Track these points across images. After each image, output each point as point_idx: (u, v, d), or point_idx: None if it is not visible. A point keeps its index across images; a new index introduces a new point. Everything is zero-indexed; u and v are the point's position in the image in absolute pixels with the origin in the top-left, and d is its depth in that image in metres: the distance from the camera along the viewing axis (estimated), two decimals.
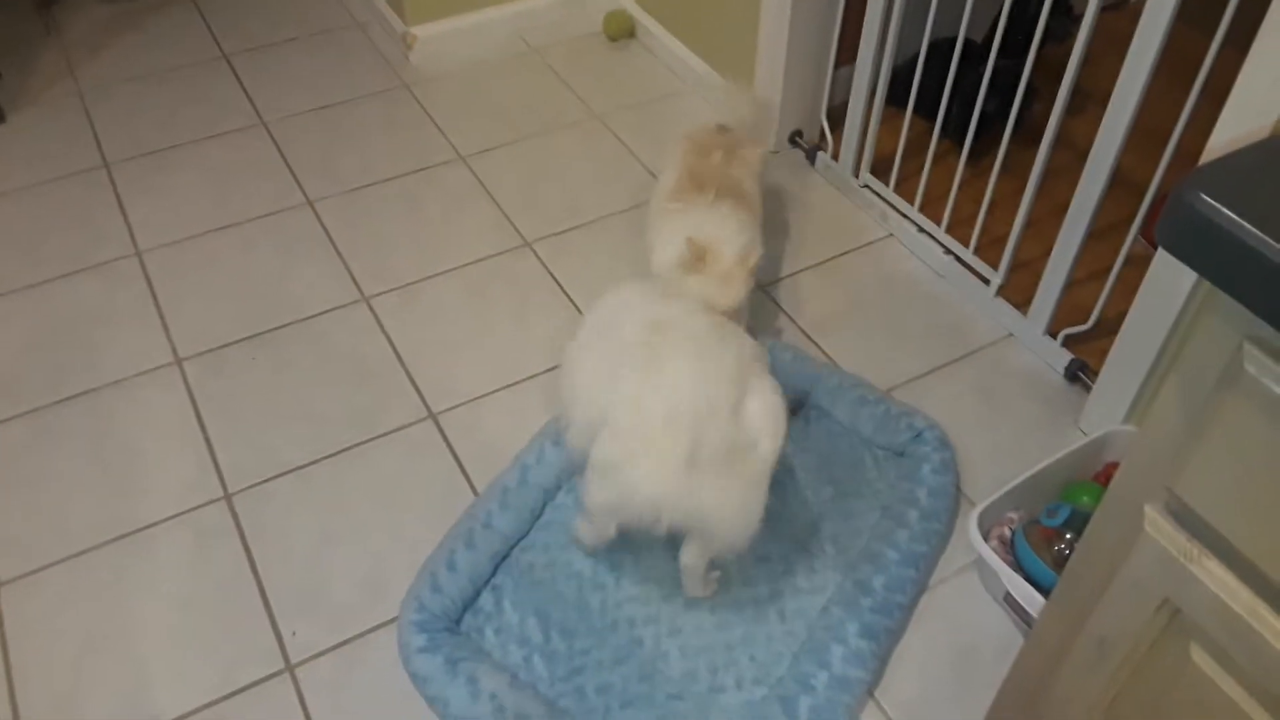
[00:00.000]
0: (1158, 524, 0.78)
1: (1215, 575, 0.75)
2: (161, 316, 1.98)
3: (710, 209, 1.75)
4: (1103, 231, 1.79)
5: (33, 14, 2.76)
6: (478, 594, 1.55)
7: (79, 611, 1.54)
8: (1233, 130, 1.39)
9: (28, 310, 1.99)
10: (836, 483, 1.70)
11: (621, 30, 2.71)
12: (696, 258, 1.66)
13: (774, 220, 2.23)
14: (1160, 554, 0.78)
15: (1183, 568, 0.77)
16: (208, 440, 1.77)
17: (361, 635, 1.52)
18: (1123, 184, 1.70)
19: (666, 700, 1.45)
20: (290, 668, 1.49)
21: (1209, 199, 0.63)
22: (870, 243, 2.17)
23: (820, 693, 1.41)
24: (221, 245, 2.13)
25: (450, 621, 1.50)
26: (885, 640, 1.49)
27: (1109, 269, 1.76)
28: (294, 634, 1.52)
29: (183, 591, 1.57)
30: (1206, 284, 0.67)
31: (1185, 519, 0.77)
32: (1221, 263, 0.64)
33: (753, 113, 2.03)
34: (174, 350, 1.92)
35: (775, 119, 2.28)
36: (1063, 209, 1.78)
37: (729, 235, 1.71)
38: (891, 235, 2.17)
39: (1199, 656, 0.79)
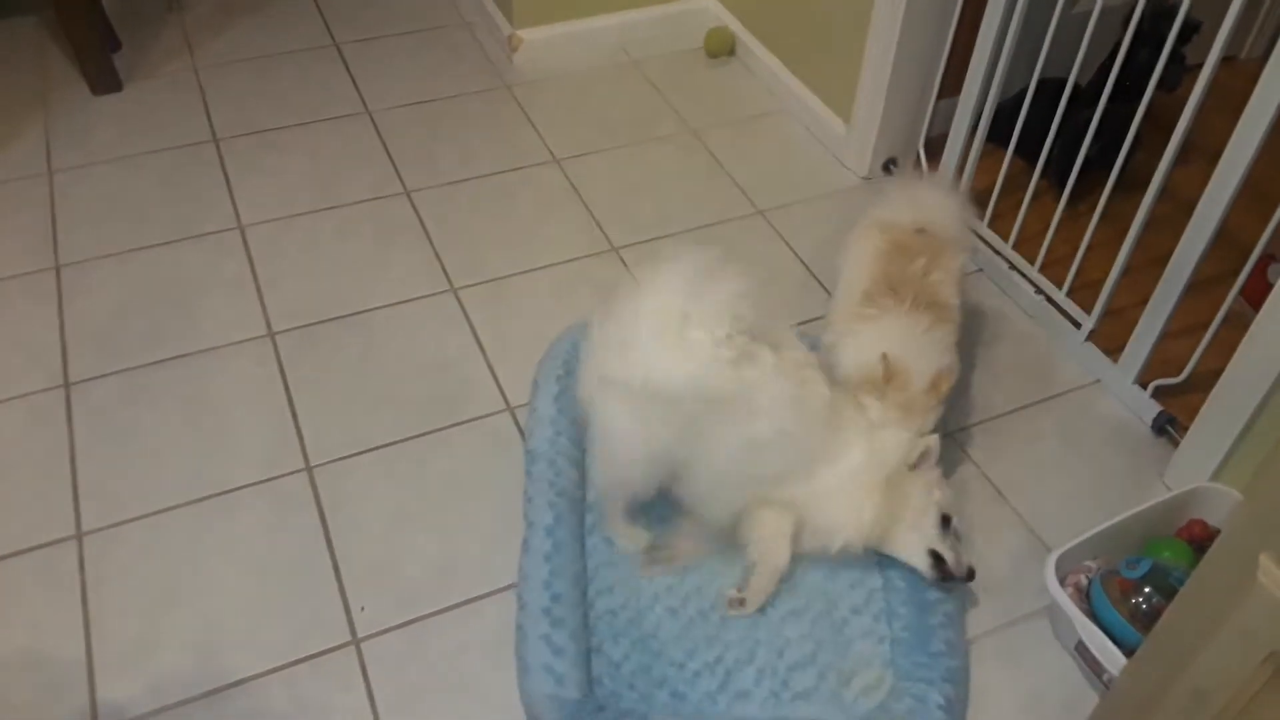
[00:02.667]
0: (1273, 574, 0.77)
1: None
2: (259, 290, 2.03)
3: (908, 322, 1.62)
4: (1201, 285, 1.75)
5: None
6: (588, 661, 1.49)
7: (157, 566, 1.59)
8: None
9: (131, 273, 2.06)
10: None
11: (722, 47, 2.73)
12: (888, 378, 1.55)
13: None
14: (1273, 604, 0.76)
15: None
16: (294, 412, 1.81)
17: (428, 616, 1.54)
18: (1226, 241, 1.67)
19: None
20: (356, 641, 1.51)
21: None
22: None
23: None
24: (321, 226, 2.19)
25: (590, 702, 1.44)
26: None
27: (1204, 324, 1.73)
28: (363, 609, 1.55)
29: (258, 557, 1.61)
30: None
31: None
32: None
33: (955, 216, 1.83)
34: (268, 323, 1.97)
35: (971, 228, 1.99)
36: (1160, 259, 1.76)
37: (926, 355, 1.59)
38: (981, 270, 2.15)
39: None
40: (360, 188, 2.29)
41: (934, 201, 1.80)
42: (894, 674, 1.49)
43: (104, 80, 2.49)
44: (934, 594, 1.56)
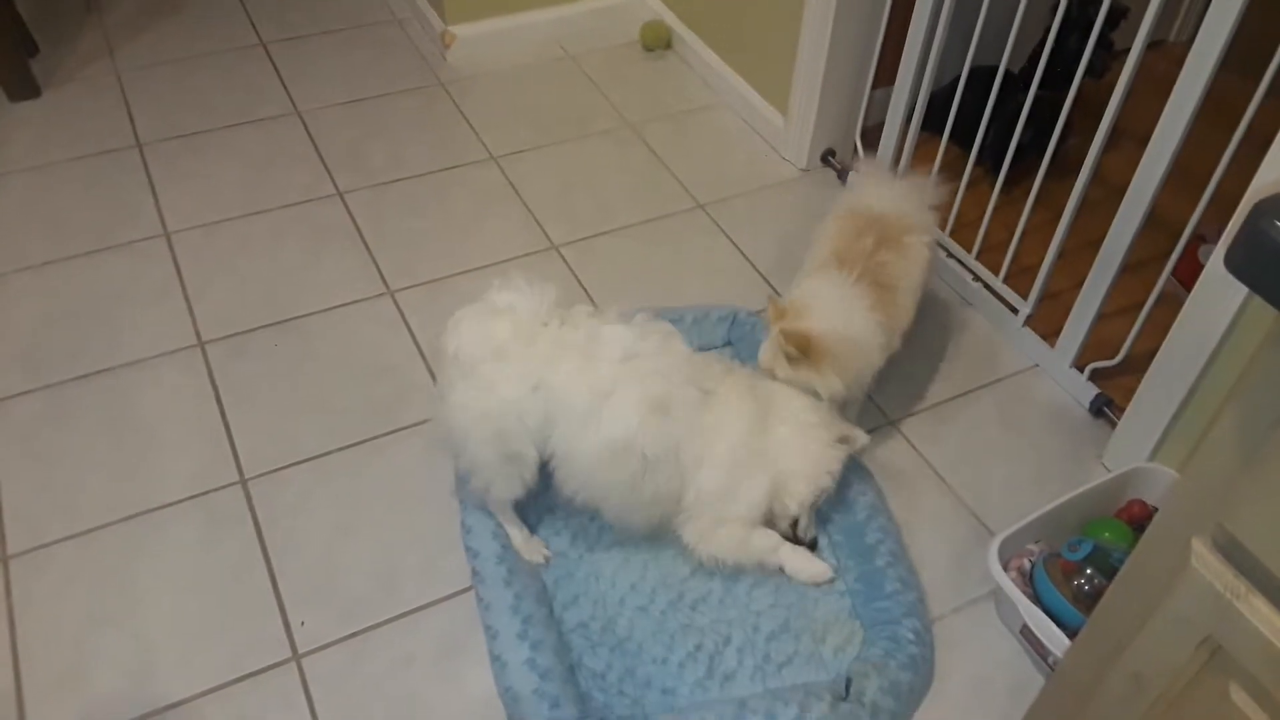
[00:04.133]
0: (1205, 559, 0.77)
1: (1262, 614, 0.74)
2: (187, 299, 1.98)
3: (850, 290, 1.61)
4: (1134, 268, 1.78)
5: None
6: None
7: (87, 589, 1.53)
8: (1274, 175, 1.38)
9: (51, 285, 1.99)
10: None
11: (658, 41, 2.71)
12: (776, 315, 1.58)
13: (801, 238, 2.21)
14: (1206, 590, 0.77)
15: (1228, 604, 0.75)
16: (226, 424, 1.76)
17: (371, 629, 1.51)
18: (1157, 223, 1.69)
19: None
20: (297, 657, 1.47)
21: None
22: None
23: None
24: (251, 231, 2.13)
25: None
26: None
27: (1139, 305, 1.75)
28: (302, 624, 1.51)
29: (193, 575, 1.56)
30: (1274, 315, 0.66)
31: (1234, 555, 0.75)
32: None
33: (915, 204, 1.80)
34: (197, 333, 1.91)
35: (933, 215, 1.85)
36: (1094, 243, 1.77)
37: (852, 325, 1.58)
38: None
39: (1238, 696, 0.78)
40: (291, 190, 2.24)
41: (896, 190, 1.81)
42: (862, 624, 1.54)
43: (20, 86, 2.40)
44: (872, 537, 1.60)
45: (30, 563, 1.56)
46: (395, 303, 2.00)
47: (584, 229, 2.19)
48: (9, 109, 2.38)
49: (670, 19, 2.72)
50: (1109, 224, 1.74)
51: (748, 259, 2.16)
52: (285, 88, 2.53)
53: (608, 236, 2.19)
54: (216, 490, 1.66)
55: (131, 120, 2.39)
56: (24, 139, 2.31)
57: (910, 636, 1.48)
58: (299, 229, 2.15)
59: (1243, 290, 1.47)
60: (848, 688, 1.42)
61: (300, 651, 1.48)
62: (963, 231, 2.08)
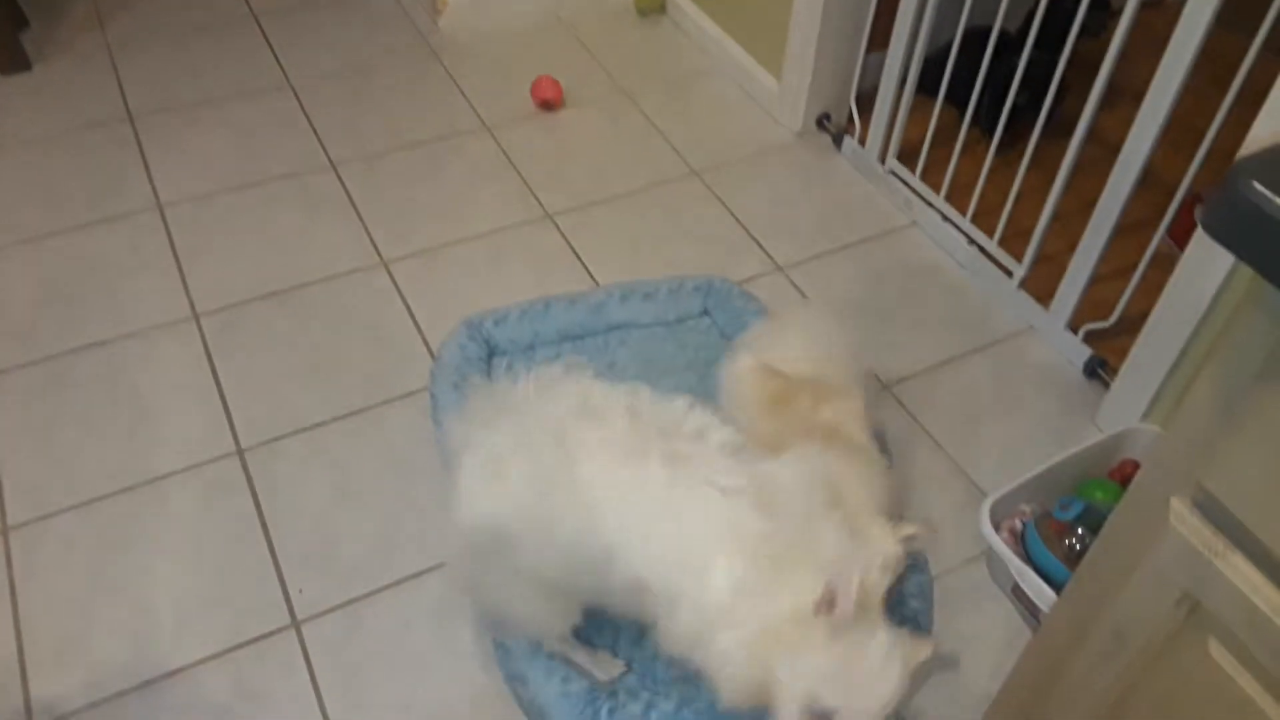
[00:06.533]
0: (1183, 517, 0.77)
1: (1240, 571, 0.74)
2: (181, 271, 1.98)
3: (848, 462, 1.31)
4: (1129, 229, 1.77)
5: None
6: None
7: (87, 558, 1.55)
8: (1268, 131, 1.37)
9: (45, 259, 1.99)
10: None
11: (652, 5, 2.69)
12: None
13: (796, 204, 2.21)
14: (1184, 547, 0.77)
15: (1207, 562, 0.76)
16: (222, 395, 1.77)
17: (369, 595, 1.52)
18: (1152, 182, 1.69)
19: None
20: (296, 624, 1.49)
21: (1260, 187, 0.62)
22: (893, 230, 2.16)
23: None
24: (244, 203, 2.13)
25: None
26: None
27: (1134, 266, 1.75)
28: (300, 591, 1.53)
29: (192, 544, 1.57)
30: (1250, 275, 0.66)
31: (1212, 513, 0.76)
32: (1269, 252, 0.63)
33: (844, 351, 1.55)
34: (192, 305, 1.92)
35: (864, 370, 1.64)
36: (1090, 204, 1.77)
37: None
38: (915, 224, 2.16)
39: (1217, 652, 0.78)
40: (284, 161, 2.23)
41: (819, 335, 1.56)
42: None
43: (11, 60, 2.39)
44: None
45: (30, 533, 1.58)
46: (389, 273, 2.00)
47: (579, 198, 2.19)
48: (0, 83, 2.38)
49: None
50: (1104, 184, 1.73)
51: (743, 225, 2.15)
52: (277, 58, 2.51)
53: (603, 205, 2.18)
54: (214, 460, 1.68)
55: (123, 93, 2.38)
56: (15, 113, 2.30)
57: (914, 590, 1.49)
58: (292, 200, 2.14)
59: (1230, 258, 1.46)
60: None
61: (299, 618, 1.50)
62: (958, 195, 2.07)
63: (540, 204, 2.17)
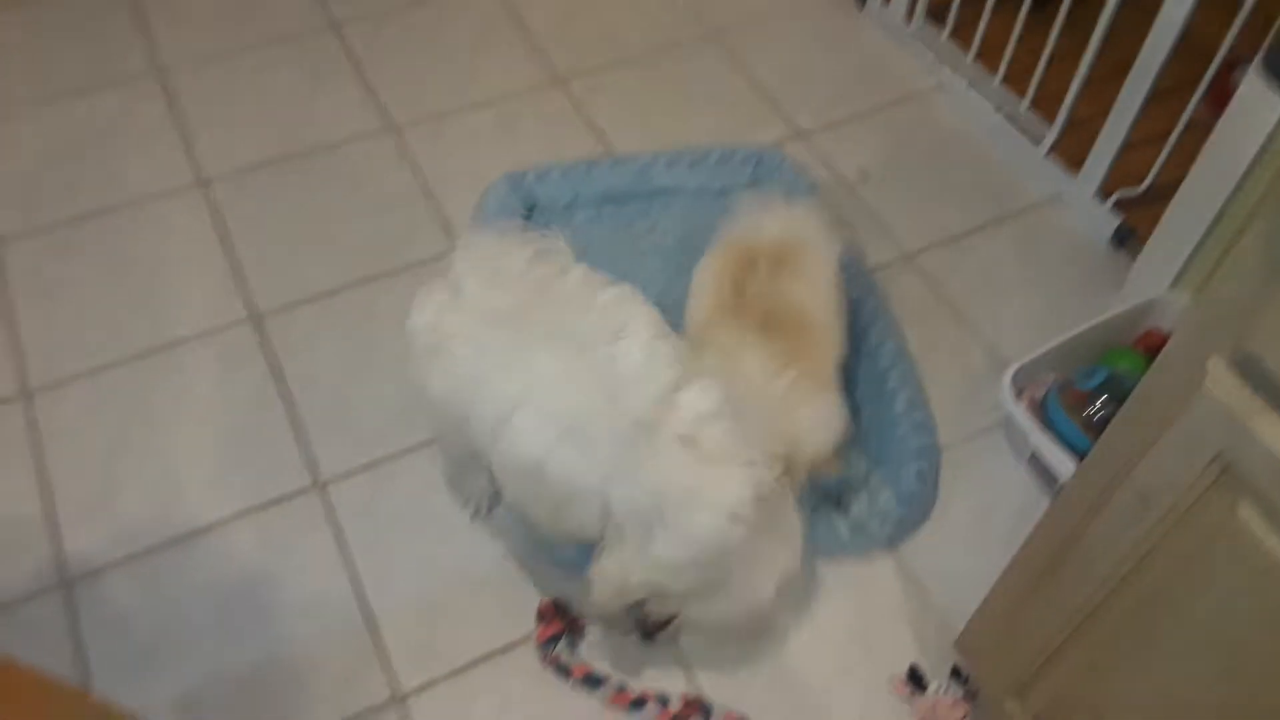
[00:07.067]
0: (1221, 377, 0.76)
1: (1275, 431, 0.73)
2: (183, 136, 1.93)
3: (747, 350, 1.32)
4: (1164, 95, 1.70)
5: None
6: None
7: (108, 421, 1.56)
8: None
9: (40, 127, 1.94)
10: None
11: None
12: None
13: (817, 66, 2.13)
14: (1219, 408, 0.76)
15: (1241, 423, 0.75)
16: (233, 262, 1.75)
17: (390, 457, 1.54)
18: (1189, 47, 1.61)
19: None
20: (320, 485, 1.51)
21: None
22: (917, 93, 2.08)
23: None
24: (245, 65, 2.06)
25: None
26: None
27: (1167, 133, 1.69)
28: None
29: (211, 408, 1.58)
30: None
31: (1251, 373, 0.74)
32: None
33: (814, 223, 1.52)
34: (197, 171, 1.88)
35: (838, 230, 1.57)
36: (1125, 68, 1.70)
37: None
38: (940, 87, 2.08)
39: (1247, 513, 0.78)
40: (285, 22, 2.15)
41: (788, 214, 1.53)
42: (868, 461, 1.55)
43: None
44: (892, 383, 1.60)
45: (50, 398, 1.59)
46: (398, 137, 1.95)
47: (591, 57, 2.11)
48: None
49: None
50: (1140, 48, 1.66)
51: (762, 89, 2.08)
52: None
53: (614, 68, 2.10)
54: (228, 327, 1.67)
55: None
56: None
57: (913, 476, 1.50)
58: (294, 63, 2.07)
59: (1276, 112, 1.41)
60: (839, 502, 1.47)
61: (323, 479, 1.52)
62: (987, 57, 1.99)
63: (551, 64, 2.10)
